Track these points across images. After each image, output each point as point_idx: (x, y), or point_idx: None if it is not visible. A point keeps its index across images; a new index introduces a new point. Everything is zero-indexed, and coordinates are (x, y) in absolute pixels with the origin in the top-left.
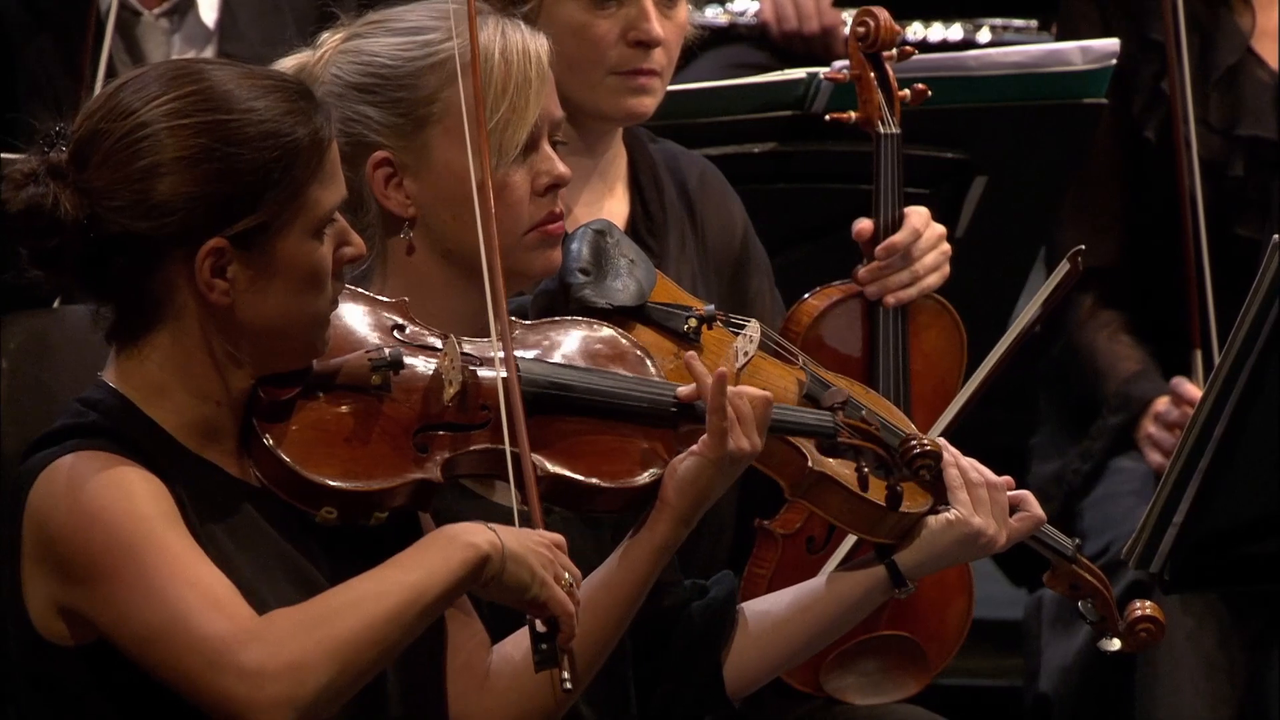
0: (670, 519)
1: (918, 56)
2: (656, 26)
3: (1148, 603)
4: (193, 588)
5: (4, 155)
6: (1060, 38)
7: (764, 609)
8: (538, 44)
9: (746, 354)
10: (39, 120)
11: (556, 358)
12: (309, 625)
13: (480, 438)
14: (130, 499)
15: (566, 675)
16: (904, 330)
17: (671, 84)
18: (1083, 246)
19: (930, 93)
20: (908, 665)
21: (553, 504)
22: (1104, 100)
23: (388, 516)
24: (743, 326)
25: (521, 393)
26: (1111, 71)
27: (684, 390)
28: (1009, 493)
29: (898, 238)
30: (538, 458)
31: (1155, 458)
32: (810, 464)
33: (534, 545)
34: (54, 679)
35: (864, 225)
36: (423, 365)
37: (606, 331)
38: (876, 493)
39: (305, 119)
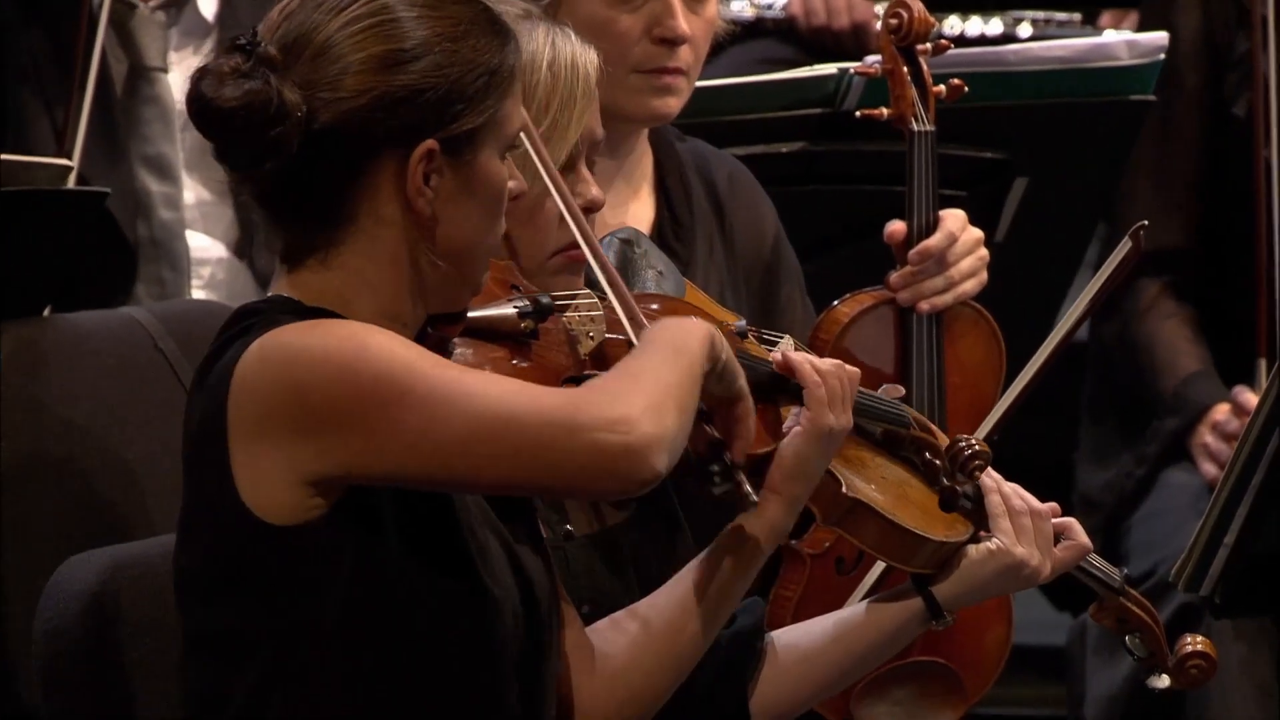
0: (780, 504)
1: (954, 51)
2: (683, 22)
3: (1199, 638)
4: (499, 379)
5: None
6: (1144, 22)
7: (793, 639)
8: (588, 58)
9: None
10: (28, 116)
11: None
12: (630, 379)
13: None
14: (376, 339)
15: (749, 488)
16: (939, 339)
17: None
18: (1145, 222)
19: (967, 89)
20: (943, 694)
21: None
22: (1152, 97)
23: None
24: (775, 341)
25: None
26: (1160, 66)
27: (778, 358)
28: (1054, 520)
29: (932, 242)
30: None
31: (1210, 469)
32: (844, 489)
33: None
34: (280, 565)
35: (896, 228)
36: (559, 320)
37: (689, 307)
38: (916, 513)
39: (506, 40)
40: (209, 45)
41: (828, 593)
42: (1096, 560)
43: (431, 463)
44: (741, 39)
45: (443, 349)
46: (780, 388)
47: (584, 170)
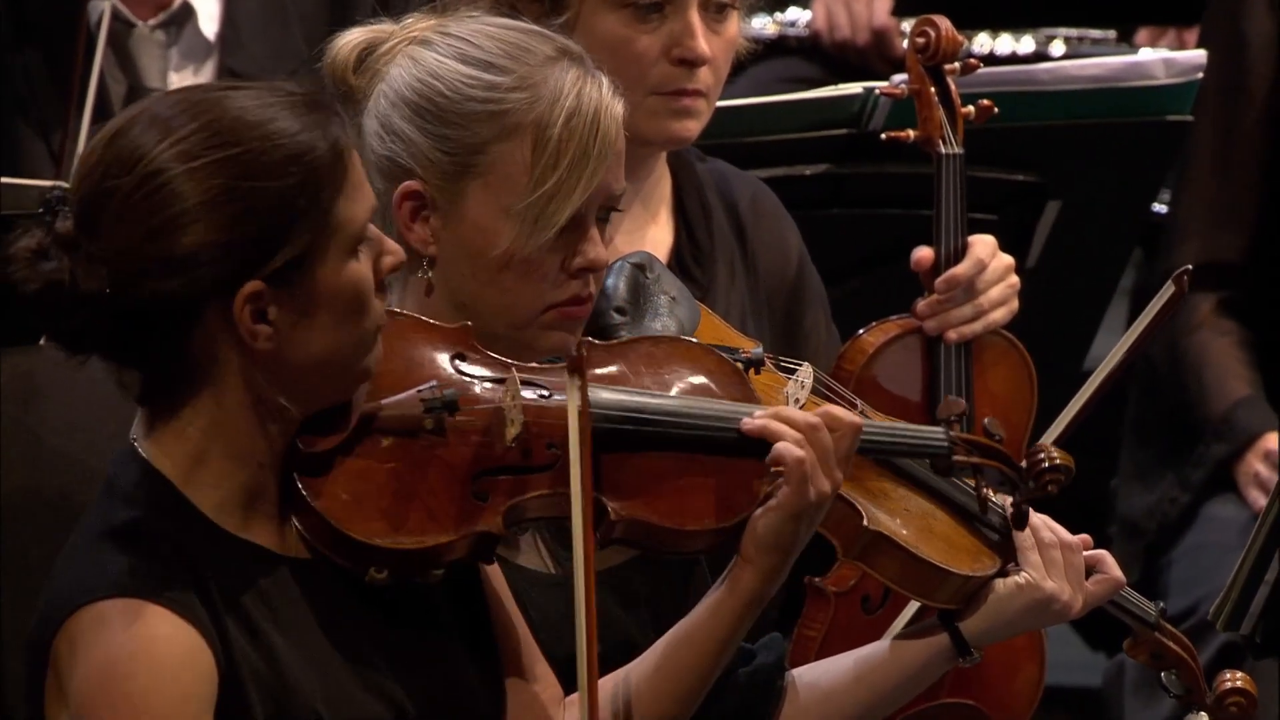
0: (755, 575)
1: (984, 70)
2: (703, 43)
3: (1238, 674)
4: None
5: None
6: (1208, 26)
7: (814, 678)
8: (613, 112)
9: (799, 400)
10: (23, 140)
11: (634, 382)
12: None
13: (544, 481)
14: (161, 690)
15: None
16: (968, 369)
17: None
18: (1189, 266)
19: (997, 109)
20: None
21: (632, 546)
22: (1189, 117)
23: (444, 573)
24: (794, 369)
25: (592, 429)
26: (1198, 85)
27: (747, 425)
28: (1085, 553)
29: (961, 269)
30: (613, 501)
31: (1258, 499)
32: (865, 522)
33: None
34: None
35: (924, 255)
36: (483, 402)
37: (692, 347)
38: (941, 546)
39: (322, 131)
40: (210, 66)
41: (853, 632)
42: (1131, 594)
43: None
44: (764, 57)
45: (321, 459)
46: (755, 450)
47: (592, 231)
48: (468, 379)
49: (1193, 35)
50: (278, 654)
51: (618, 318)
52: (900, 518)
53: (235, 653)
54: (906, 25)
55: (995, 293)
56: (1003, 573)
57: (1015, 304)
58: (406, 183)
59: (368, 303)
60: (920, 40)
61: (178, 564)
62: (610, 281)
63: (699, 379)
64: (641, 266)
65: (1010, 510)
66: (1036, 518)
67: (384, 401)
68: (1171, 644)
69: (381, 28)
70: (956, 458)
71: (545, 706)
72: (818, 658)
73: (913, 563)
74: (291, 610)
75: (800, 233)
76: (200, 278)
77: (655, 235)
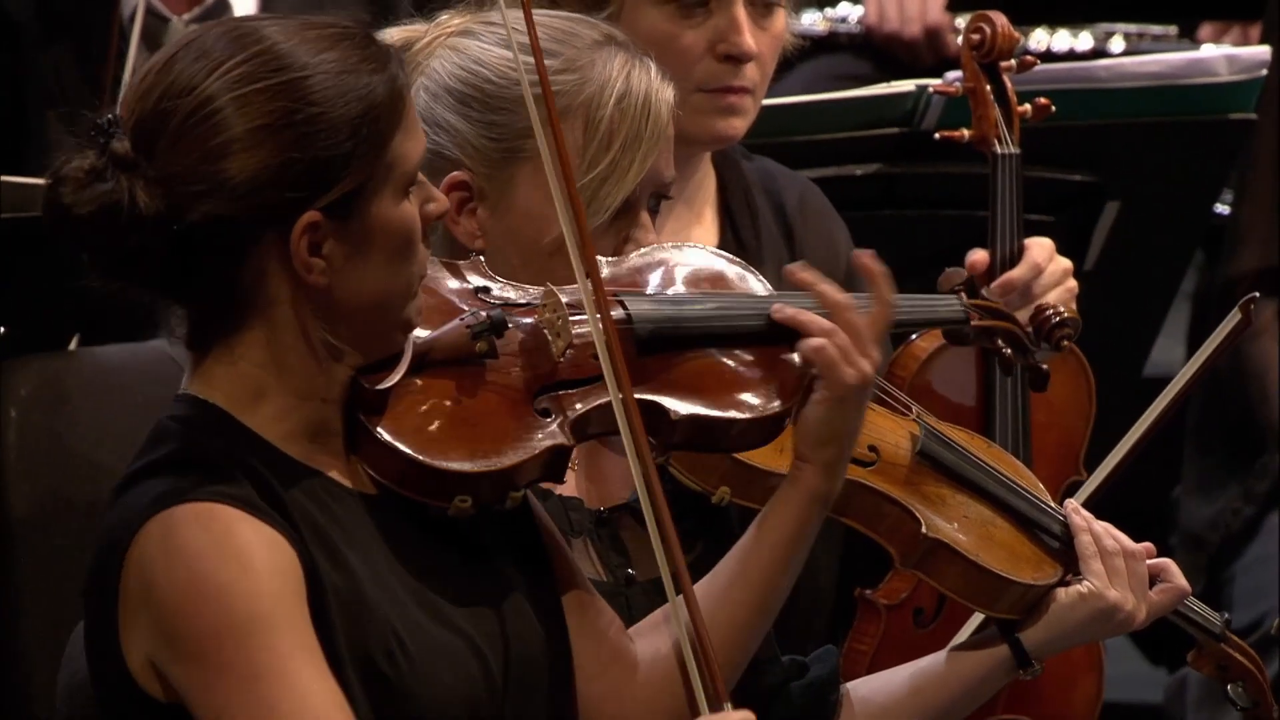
0: (816, 471)
1: (1040, 67)
2: (749, 39)
3: None
4: (302, 704)
5: (9, 179)
6: (1269, 27)
7: (869, 691)
8: (663, 96)
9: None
10: (54, 137)
11: (655, 290)
12: None
13: (599, 392)
14: (251, 577)
15: None
16: (1024, 377)
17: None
18: (1256, 294)
19: (1054, 108)
20: None
21: (692, 447)
22: (1253, 115)
23: (522, 496)
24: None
25: (632, 334)
26: (1262, 83)
27: (779, 313)
28: (1149, 561)
29: (1017, 273)
30: (669, 401)
31: None
32: (924, 530)
33: None
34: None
35: (979, 258)
36: (524, 321)
37: (697, 251)
38: (1002, 554)
39: (380, 65)
40: None
41: (905, 647)
42: (1195, 604)
43: None
44: (813, 54)
45: (383, 397)
46: (786, 336)
47: (644, 215)
48: (503, 305)
49: (1257, 31)
50: (355, 572)
51: None
52: (959, 524)
53: (314, 563)
54: (961, 21)
55: (1052, 297)
56: (1064, 582)
57: (1073, 308)
58: (453, 173)
59: (416, 245)
60: (975, 37)
61: (246, 479)
62: None
63: (716, 275)
64: None
65: (1031, 373)
66: (1099, 525)
67: (429, 336)
68: (1238, 655)
69: (416, 27)
70: (974, 324)
71: (617, 638)
72: (868, 673)
73: (973, 571)
74: (365, 537)
75: (850, 234)
76: (256, 203)
77: (700, 236)
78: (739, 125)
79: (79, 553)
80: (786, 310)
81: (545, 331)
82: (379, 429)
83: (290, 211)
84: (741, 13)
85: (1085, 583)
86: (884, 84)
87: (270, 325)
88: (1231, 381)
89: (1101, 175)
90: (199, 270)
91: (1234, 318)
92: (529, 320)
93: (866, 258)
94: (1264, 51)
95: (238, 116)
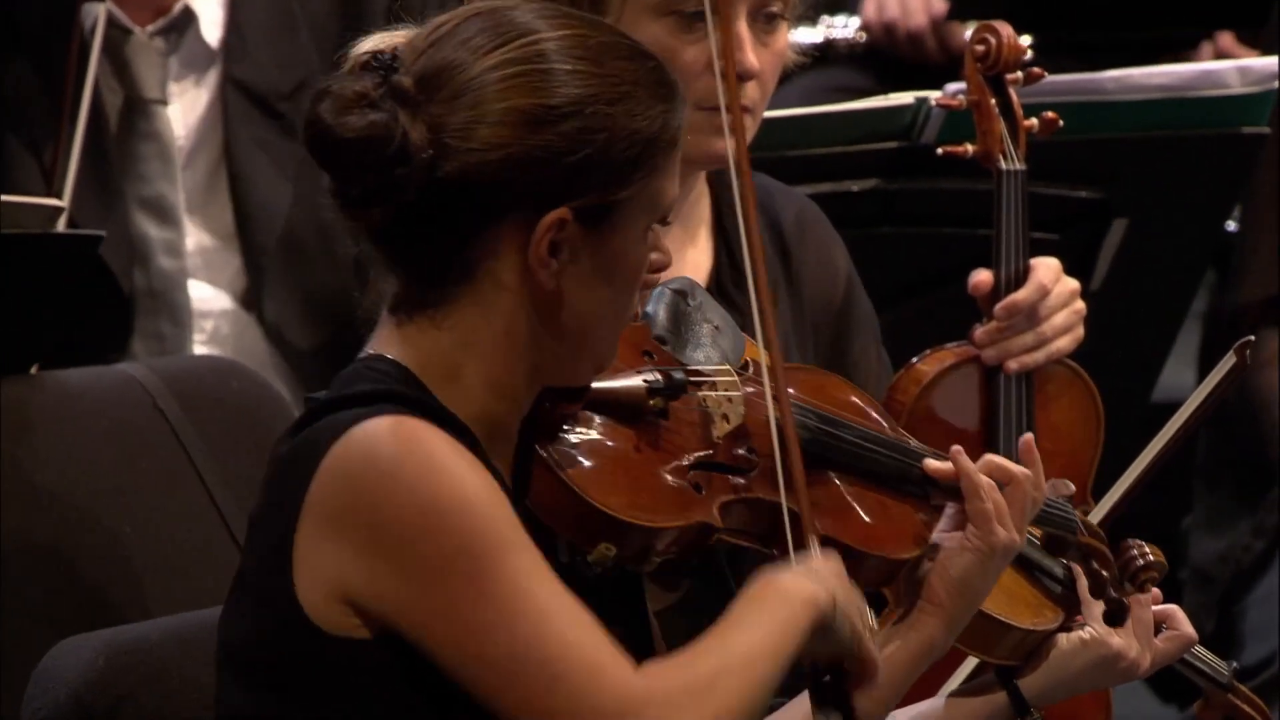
0: (943, 621)
1: (1047, 79)
2: (751, 56)
3: None
4: (576, 631)
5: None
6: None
7: None
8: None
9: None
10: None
11: (812, 404)
12: (699, 693)
13: (749, 486)
14: (491, 493)
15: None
16: (1029, 402)
17: None
18: (1252, 338)
19: (1061, 121)
20: None
21: None
22: (1266, 129)
23: (656, 566)
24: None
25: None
26: (1275, 95)
27: (933, 465)
28: (1154, 608)
29: (1022, 295)
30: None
31: None
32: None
33: (854, 596)
34: (326, 672)
35: (982, 278)
36: (695, 395)
37: (840, 380)
38: (1000, 598)
39: (672, 96)
40: (213, 75)
41: None
42: (1202, 652)
43: (453, 652)
44: (811, 66)
45: (558, 426)
46: (923, 490)
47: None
48: (684, 368)
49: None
50: None
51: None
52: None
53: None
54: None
55: (1059, 319)
56: (1065, 627)
57: (1080, 331)
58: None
59: (638, 285)
60: (980, 49)
61: (440, 424)
62: (650, 309)
63: (860, 409)
64: (682, 293)
65: (1103, 606)
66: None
67: (609, 382)
68: (1245, 706)
69: (400, 33)
70: (1080, 538)
71: None
72: None
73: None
74: None
75: (849, 253)
76: (520, 178)
77: (694, 258)
78: None
79: (43, 584)
80: (944, 464)
81: (711, 411)
82: (550, 453)
83: (545, 200)
84: (744, 28)
85: (1088, 629)
86: (882, 96)
87: (484, 309)
88: (1238, 416)
89: (1108, 191)
90: (435, 229)
91: (1229, 360)
92: (701, 393)
93: (1031, 445)
94: (1277, 63)
95: (528, 90)
